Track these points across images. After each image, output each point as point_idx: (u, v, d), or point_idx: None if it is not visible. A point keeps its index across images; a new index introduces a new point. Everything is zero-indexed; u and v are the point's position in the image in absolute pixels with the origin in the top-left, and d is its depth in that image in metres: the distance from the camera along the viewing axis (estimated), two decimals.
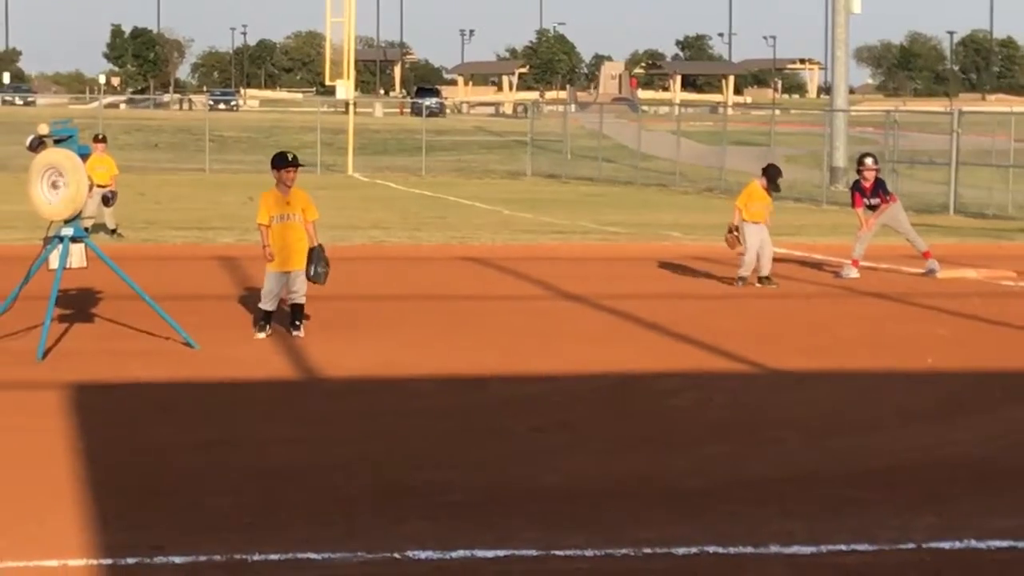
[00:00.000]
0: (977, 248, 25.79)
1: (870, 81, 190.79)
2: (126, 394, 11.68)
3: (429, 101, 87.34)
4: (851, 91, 70.67)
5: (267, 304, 14.36)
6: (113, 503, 8.11)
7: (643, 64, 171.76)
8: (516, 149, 60.84)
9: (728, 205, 22.55)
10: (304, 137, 59.77)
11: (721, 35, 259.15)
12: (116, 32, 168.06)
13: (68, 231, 13.27)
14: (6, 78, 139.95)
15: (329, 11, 54.45)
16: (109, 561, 7.04)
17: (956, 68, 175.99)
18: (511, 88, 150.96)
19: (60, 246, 13.26)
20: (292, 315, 14.35)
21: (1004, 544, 7.60)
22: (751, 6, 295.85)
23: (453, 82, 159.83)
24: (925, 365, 13.31)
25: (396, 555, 7.19)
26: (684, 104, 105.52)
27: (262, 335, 14.23)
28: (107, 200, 18.72)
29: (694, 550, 7.38)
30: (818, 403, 11.78)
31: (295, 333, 14.18)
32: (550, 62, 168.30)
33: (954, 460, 9.62)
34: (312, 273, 14.18)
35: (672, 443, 10.06)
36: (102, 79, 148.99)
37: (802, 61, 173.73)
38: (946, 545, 7.55)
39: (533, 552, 7.32)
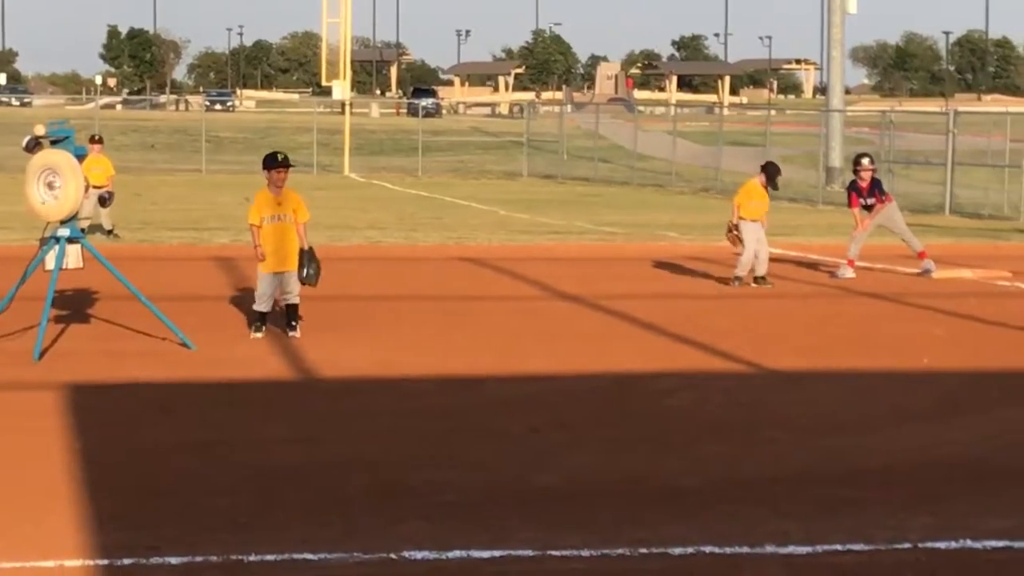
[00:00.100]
0: (973, 248, 25.80)
1: (866, 81, 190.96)
2: (122, 395, 11.68)
3: (425, 101, 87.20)
4: (847, 91, 70.66)
5: (261, 305, 14.34)
6: (109, 504, 8.10)
7: (639, 64, 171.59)
8: (512, 149, 60.77)
9: (724, 205, 22.55)
10: (300, 138, 59.67)
11: (717, 35, 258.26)
12: (112, 33, 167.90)
13: (64, 232, 13.27)
14: (2, 79, 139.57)
15: (325, 12, 54.53)
16: (105, 562, 7.04)
17: (952, 68, 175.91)
18: (507, 88, 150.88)
19: (56, 247, 13.26)
20: (287, 316, 14.35)
21: (1000, 544, 7.61)
22: (747, 6, 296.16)
23: (449, 82, 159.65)
24: (921, 365, 13.31)
25: (393, 555, 7.19)
26: (680, 104, 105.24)
27: (258, 335, 14.23)
28: (104, 201, 18.65)
29: (690, 550, 7.39)
30: (814, 403, 11.79)
31: (291, 334, 14.17)
32: (546, 62, 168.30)
33: (950, 460, 9.62)
34: (304, 275, 14.16)
35: (668, 443, 10.07)
36: (98, 80, 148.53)
37: (798, 61, 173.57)
38: (942, 545, 7.55)
39: (530, 552, 7.32)
